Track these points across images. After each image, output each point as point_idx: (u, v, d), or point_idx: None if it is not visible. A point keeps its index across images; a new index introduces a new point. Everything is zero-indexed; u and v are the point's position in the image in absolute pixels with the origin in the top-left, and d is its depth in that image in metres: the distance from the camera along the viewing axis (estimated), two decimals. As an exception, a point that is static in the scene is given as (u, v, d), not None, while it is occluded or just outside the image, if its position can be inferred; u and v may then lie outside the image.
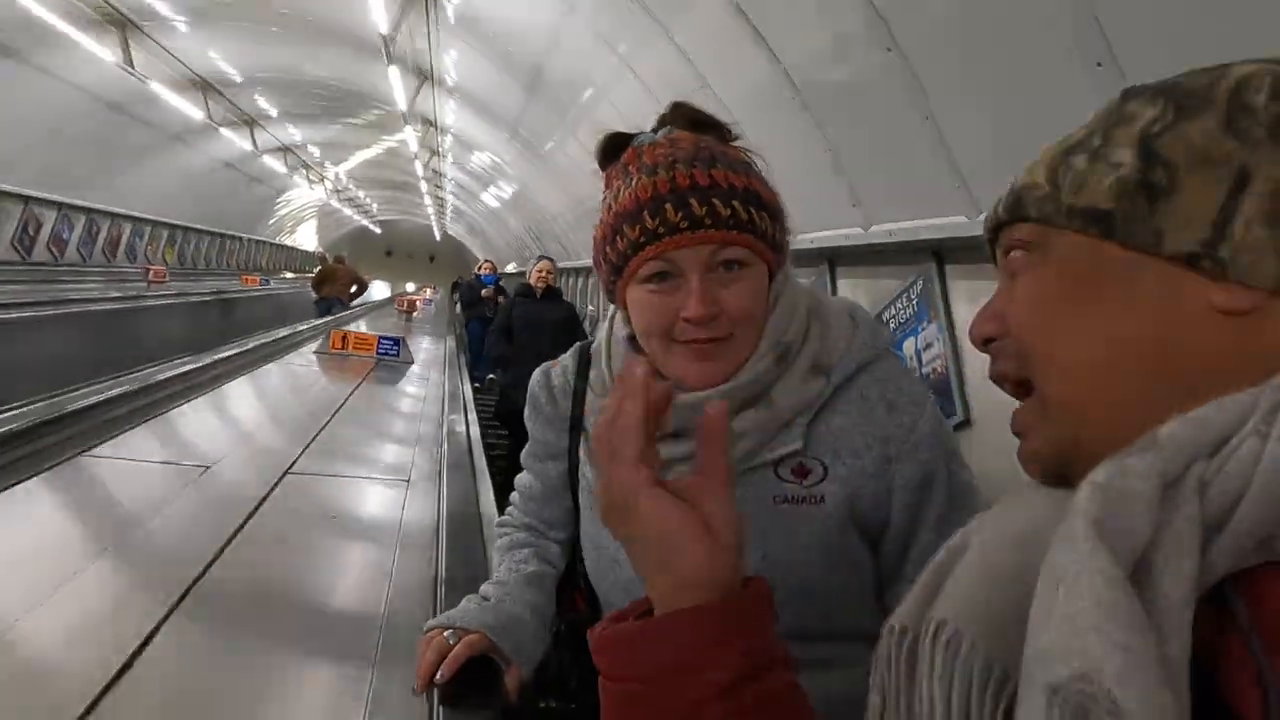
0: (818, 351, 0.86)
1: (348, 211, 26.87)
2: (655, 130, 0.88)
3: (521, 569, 1.02)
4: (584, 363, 1.00)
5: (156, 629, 1.25)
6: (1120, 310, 0.41)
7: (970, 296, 3.07)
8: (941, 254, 3.18)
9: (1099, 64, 1.97)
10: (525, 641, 0.96)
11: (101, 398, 2.59)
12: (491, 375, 6.20)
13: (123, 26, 7.92)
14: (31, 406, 2.47)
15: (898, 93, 2.75)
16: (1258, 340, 0.38)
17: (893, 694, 0.42)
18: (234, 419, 3.18)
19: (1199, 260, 0.39)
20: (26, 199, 10.57)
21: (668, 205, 0.77)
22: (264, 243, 23.01)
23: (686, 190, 0.78)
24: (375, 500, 2.21)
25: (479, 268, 9.55)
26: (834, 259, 3.90)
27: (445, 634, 0.93)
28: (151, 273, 11.14)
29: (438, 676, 0.89)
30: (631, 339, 0.89)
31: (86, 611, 1.33)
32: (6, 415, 2.26)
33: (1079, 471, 0.38)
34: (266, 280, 15.78)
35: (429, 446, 2.87)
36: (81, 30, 7.15)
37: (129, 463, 2.23)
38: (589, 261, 5.81)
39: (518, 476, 1.11)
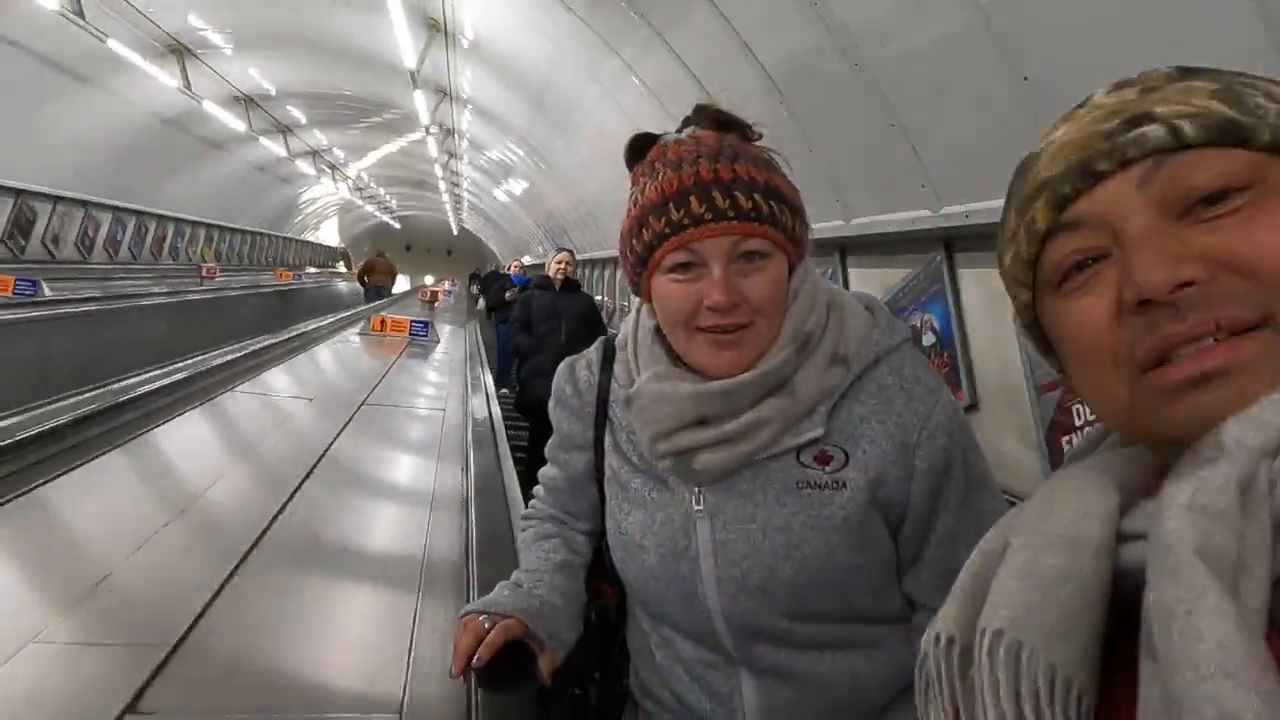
0: (837, 342, 0.88)
1: (369, 208, 28.21)
2: (680, 130, 0.92)
3: (551, 557, 1.04)
4: (608, 356, 1.02)
5: (305, 479, 2.40)
6: None
7: (860, 280, 4.18)
8: (845, 249, 4.29)
9: (890, 126, 3.10)
10: (559, 627, 0.97)
11: (236, 355, 3.81)
12: (504, 390, 5.94)
13: (181, 54, 9.16)
14: (195, 360, 3.70)
15: (789, 127, 3.88)
16: None
17: (948, 707, 0.41)
18: (320, 372, 4.43)
19: None
20: (86, 204, 11.88)
21: (692, 197, 0.81)
22: (290, 239, 24.39)
23: (710, 183, 0.81)
24: (422, 416, 3.38)
25: (510, 266, 9.39)
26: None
27: (481, 619, 0.94)
28: (204, 270, 12.45)
29: (474, 661, 0.91)
30: (657, 331, 0.92)
31: (260, 470, 2.51)
32: (185, 364, 3.48)
33: None
34: (299, 275, 17.09)
35: (458, 387, 4.07)
36: (149, 59, 8.37)
37: (264, 395, 3.43)
38: (592, 255, 7.17)
39: (542, 470, 1.12)
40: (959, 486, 0.88)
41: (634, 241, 0.88)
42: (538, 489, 1.14)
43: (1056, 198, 0.45)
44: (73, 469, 2.11)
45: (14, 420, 2.27)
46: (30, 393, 3.14)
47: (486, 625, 0.93)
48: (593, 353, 1.05)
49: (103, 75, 8.84)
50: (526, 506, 1.18)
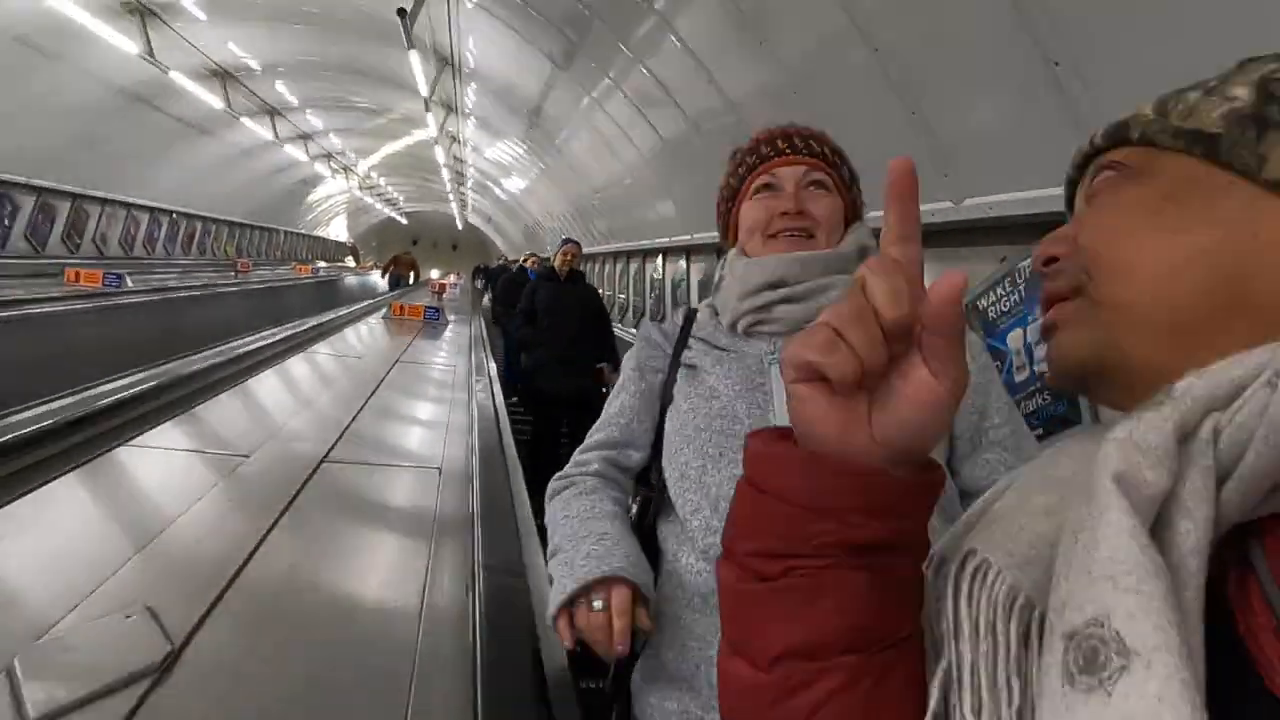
0: None
1: (379, 205, 29.78)
2: None
3: (602, 507, 1.09)
4: (688, 317, 1.22)
5: (373, 393, 3.94)
6: (1201, 225, 0.42)
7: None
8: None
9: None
10: (646, 571, 1.00)
11: (300, 329, 5.38)
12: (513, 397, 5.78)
13: (223, 78, 10.70)
14: (273, 331, 5.26)
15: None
16: None
17: (929, 619, 0.45)
18: (362, 341, 6.00)
19: None
20: (128, 205, 13.46)
21: (777, 139, 1.12)
22: (303, 235, 25.99)
23: (791, 134, 1.13)
24: (438, 373, 4.91)
25: (524, 259, 9.64)
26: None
27: (595, 604, 0.93)
28: (239, 265, 14.04)
29: (619, 650, 0.91)
30: (743, 252, 1.14)
31: (349, 384, 4.05)
32: (271, 333, 5.04)
33: (1105, 382, 0.44)
34: (318, 270, 18.67)
35: (465, 356, 5.62)
36: (196, 81, 9.89)
37: (329, 356, 4.98)
38: (588, 250, 8.66)
39: (604, 417, 1.21)
40: (1001, 399, 1.05)
41: (730, 179, 1.15)
42: (585, 446, 1.20)
43: (1066, 198, 0.55)
44: (250, 379, 3.73)
45: (197, 355, 3.86)
46: (155, 354, 4.68)
47: (600, 608, 0.93)
48: (677, 314, 1.24)
49: (158, 97, 10.40)
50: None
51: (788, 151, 1.10)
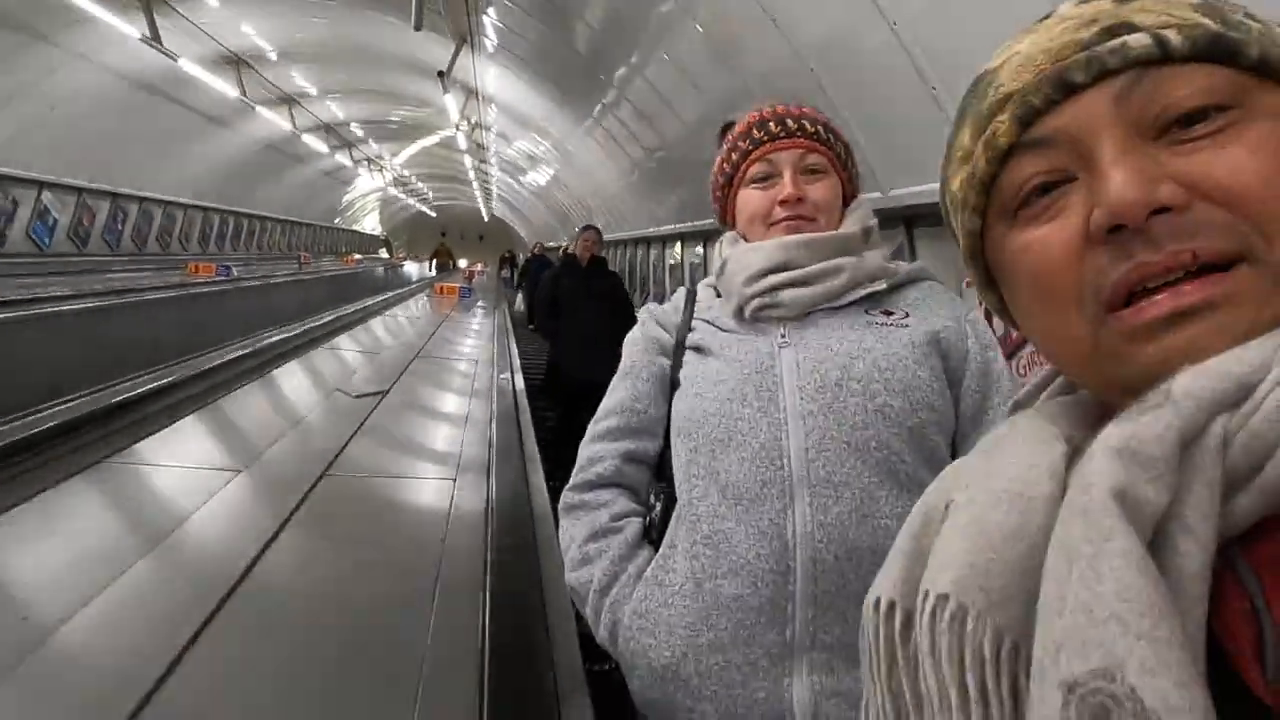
0: (885, 257, 1.13)
1: (410, 200, 32.53)
2: None
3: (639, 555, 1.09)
4: (689, 298, 1.22)
5: (430, 337, 6.45)
6: None
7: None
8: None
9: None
10: None
11: (374, 303, 7.95)
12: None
13: (289, 104, 13.29)
14: (359, 304, 7.83)
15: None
16: None
17: (883, 679, 0.40)
18: (417, 309, 8.65)
19: None
20: (205, 209, 16.20)
21: (771, 123, 1.11)
22: (340, 229, 28.82)
23: (784, 115, 1.12)
24: (471, 339, 7.39)
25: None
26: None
27: None
28: (302, 257, 16.76)
29: None
30: (743, 239, 1.14)
31: (413, 333, 6.60)
32: (355, 306, 7.59)
33: None
34: (360, 261, 21.45)
35: (489, 324, 8.15)
36: (266, 108, 12.44)
37: (398, 316, 7.52)
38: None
39: (609, 401, 1.19)
40: (1004, 378, 1.07)
41: (724, 165, 1.16)
42: (597, 434, 1.18)
43: (1024, 111, 0.42)
44: (370, 321, 6.27)
45: (330, 314, 6.40)
46: (282, 319, 7.19)
47: None
48: (677, 294, 1.25)
49: (240, 122, 13.05)
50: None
51: (782, 135, 1.10)
